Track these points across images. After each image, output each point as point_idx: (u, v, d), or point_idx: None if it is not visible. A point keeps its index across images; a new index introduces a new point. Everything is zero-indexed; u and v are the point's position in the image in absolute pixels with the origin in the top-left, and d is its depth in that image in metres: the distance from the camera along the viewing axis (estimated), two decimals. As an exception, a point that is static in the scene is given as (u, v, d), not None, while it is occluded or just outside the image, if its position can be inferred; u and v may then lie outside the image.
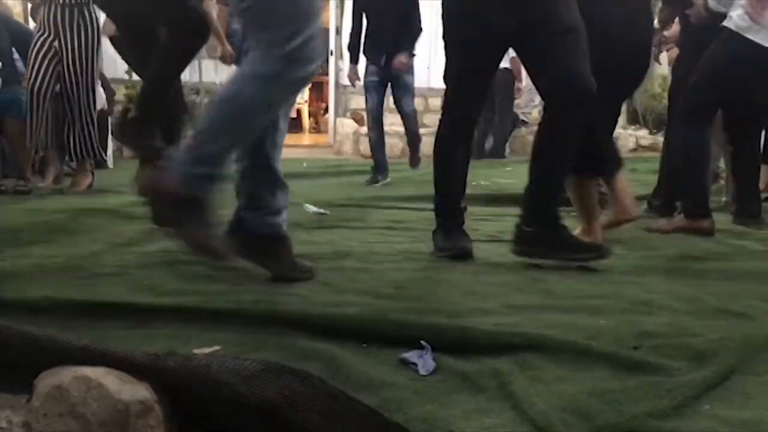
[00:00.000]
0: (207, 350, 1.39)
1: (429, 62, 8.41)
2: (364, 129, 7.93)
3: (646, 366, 1.37)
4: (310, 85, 13.22)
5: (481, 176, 5.26)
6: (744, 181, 3.38)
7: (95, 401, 0.99)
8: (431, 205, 3.90)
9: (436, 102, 8.86)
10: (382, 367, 1.36)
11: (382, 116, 5.49)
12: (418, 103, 8.71)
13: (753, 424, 1.14)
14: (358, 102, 8.52)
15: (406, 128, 5.68)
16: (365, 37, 5.33)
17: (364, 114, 8.64)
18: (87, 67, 4.07)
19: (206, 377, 1.01)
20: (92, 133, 4.21)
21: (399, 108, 5.52)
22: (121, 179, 5.21)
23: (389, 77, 5.31)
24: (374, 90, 5.37)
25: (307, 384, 1.02)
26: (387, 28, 5.19)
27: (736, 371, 1.36)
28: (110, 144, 6.47)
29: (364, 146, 7.72)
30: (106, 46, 8.36)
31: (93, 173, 4.57)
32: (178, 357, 1.08)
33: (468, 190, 4.38)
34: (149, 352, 1.11)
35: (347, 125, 7.95)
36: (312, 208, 3.60)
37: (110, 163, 6.29)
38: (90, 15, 4.05)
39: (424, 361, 1.38)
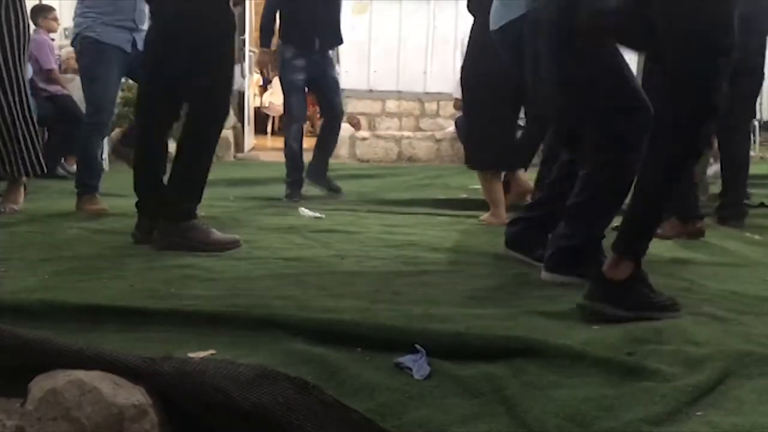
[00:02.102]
0: (202, 354, 1.39)
1: (425, 67, 8.45)
2: (360, 133, 7.95)
3: (641, 372, 1.37)
4: (306, 89, 13.22)
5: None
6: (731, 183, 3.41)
7: (90, 405, 0.98)
8: (427, 210, 3.94)
9: (432, 106, 8.93)
10: (377, 371, 1.36)
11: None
12: (413, 107, 8.77)
13: (746, 430, 1.14)
14: (354, 105, 8.54)
15: (326, 137, 4.56)
16: (289, 19, 4.29)
17: (360, 118, 8.69)
18: (19, 67, 3.35)
19: (201, 382, 1.01)
20: (30, 142, 3.33)
21: (329, 110, 4.51)
22: (116, 182, 5.21)
23: (316, 71, 4.31)
24: (300, 91, 4.35)
25: (302, 391, 1.02)
26: (318, 9, 4.26)
27: (729, 377, 1.37)
28: (105, 147, 6.46)
29: (360, 150, 7.74)
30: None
31: (26, 186, 3.68)
32: (173, 361, 1.08)
33: (464, 195, 4.43)
34: (144, 355, 1.11)
35: (343, 129, 7.95)
36: (308, 212, 3.60)
37: (106, 166, 6.28)
38: (22, 9, 3.38)
39: (418, 365, 1.38)
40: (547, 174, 2.57)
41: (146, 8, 2.91)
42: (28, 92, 3.42)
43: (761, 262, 2.66)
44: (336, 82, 4.53)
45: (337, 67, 4.73)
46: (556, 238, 2.23)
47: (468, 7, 3.61)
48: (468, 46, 3.58)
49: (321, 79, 4.34)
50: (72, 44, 3.64)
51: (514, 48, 2.23)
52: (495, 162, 3.51)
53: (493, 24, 2.28)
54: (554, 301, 1.92)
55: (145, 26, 3.19)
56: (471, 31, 3.55)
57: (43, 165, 3.45)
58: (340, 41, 4.52)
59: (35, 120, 3.42)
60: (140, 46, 3.36)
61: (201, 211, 3.44)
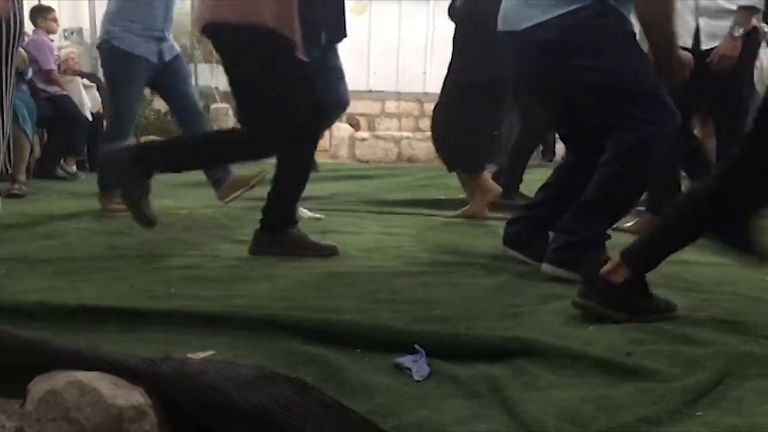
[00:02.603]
0: (202, 354, 1.39)
1: (425, 68, 8.45)
2: (360, 134, 7.95)
3: (640, 372, 1.37)
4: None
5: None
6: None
7: (89, 406, 0.99)
8: (427, 210, 3.94)
9: (432, 107, 8.91)
10: (377, 372, 1.36)
11: None
12: (413, 108, 8.77)
13: (745, 430, 1.14)
14: (354, 106, 8.51)
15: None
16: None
17: (360, 118, 8.68)
18: (8, 64, 3.08)
19: (200, 383, 1.01)
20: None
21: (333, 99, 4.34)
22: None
23: (317, 66, 4.04)
24: None
25: (301, 392, 1.02)
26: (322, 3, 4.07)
27: (728, 377, 1.37)
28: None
29: (360, 151, 7.74)
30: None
31: None
32: (172, 362, 1.08)
33: (463, 195, 4.43)
34: (144, 356, 1.11)
35: (343, 130, 7.96)
36: (307, 213, 3.60)
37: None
38: (16, 6, 3.08)
39: (418, 366, 1.38)
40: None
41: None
42: (12, 91, 3.15)
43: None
44: (341, 70, 4.44)
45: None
46: (562, 233, 2.23)
47: (449, 13, 3.61)
48: (453, 53, 3.59)
49: (323, 70, 4.28)
50: (98, 47, 3.64)
51: (542, 53, 2.20)
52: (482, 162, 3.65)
53: (513, 25, 2.24)
54: (554, 302, 1.92)
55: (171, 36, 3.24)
56: (454, 38, 3.56)
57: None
58: (344, 35, 4.45)
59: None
60: (166, 56, 3.44)
61: (199, 212, 3.46)
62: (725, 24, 3.04)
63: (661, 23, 2.14)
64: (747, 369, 1.42)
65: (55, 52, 5.89)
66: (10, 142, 3.16)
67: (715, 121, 3.46)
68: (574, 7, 2.12)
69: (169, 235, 2.91)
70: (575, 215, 2.20)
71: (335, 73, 4.31)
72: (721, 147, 3.32)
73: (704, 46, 3.05)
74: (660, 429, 1.14)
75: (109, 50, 3.43)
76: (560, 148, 8.76)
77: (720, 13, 3.05)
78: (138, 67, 3.41)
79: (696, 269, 2.46)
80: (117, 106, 3.55)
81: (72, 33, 7.73)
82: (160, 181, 3.32)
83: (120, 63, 3.40)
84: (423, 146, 7.84)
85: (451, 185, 5.32)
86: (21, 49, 3.97)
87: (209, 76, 7.27)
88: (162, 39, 3.41)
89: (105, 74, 3.72)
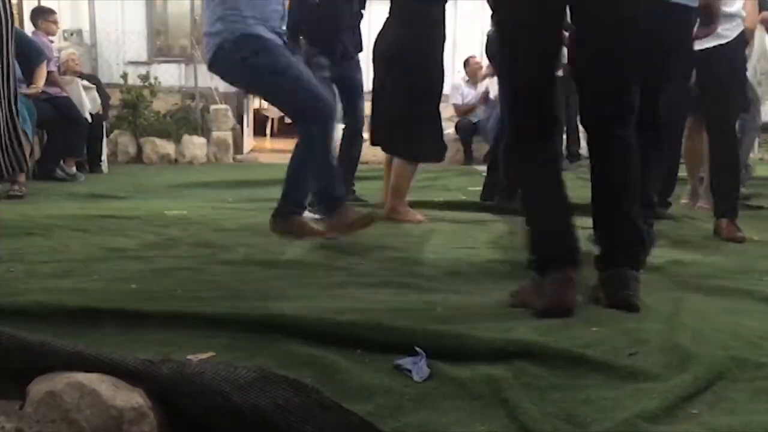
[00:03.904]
0: (202, 356, 1.39)
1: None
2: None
3: (640, 374, 1.37)
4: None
5: (476, 182, 5.26)
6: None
7: (89, 407, 0.98)
8: (426, 212, 3.93)
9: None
10: (377, 373, 1.36)
11: None
12: (414, 109, 8.74)
13: (740, 429, 1.15)
14: (354, 108, 8.51)
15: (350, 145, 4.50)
16: (316, 18, 4.09)
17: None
18: (6, 62, 2.57)
19: (200, 385, 1.01)
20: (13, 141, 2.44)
21: (350, 116, 4.55)
22: (115, 184, 5.21)
23: (338, 75, 4.26)
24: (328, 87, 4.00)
25: (300, 394, 1.02)
26: (342, 15, 4.20)
27: (724, 376, 1.37)
28: (105, 149, 6.47)
29: (360, 152, 7.72)
30: (102, 49, 8.28)
31: None
32: (172, 363, 1.08)
33: (463, 197, 4.43)
34: (143, 357, 1.11)
35: (341, 131, 7.95)
36: (308, 215, 3.59)
37: (105, 168, 6.29)
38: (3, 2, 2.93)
39: (418, 367, 1.38)
40: None
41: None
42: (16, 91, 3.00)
43: (758, 262, 2.66)
44: (361, 86, 4.50)
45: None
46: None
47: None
48: (385, 26, 3.61)
49: (345, 80, 4.32)
50: (212, 60, 3.02)
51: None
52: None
53: None
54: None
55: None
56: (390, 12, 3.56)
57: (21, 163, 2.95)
58: (360, 48, 4.54)
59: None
60: None
61: (198, 213, 3.45)
62: (725, 26, 3.06)
63: None
64: (743, 369, 1.42)
65: (55, 54, 5.90)
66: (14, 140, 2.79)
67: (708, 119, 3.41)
68: None
69: (168, 235, 2.91)
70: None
71: (355, 89, 4.43)
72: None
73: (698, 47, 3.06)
74: (657, 426, 1.15)
75: (241, 45, 2.89)
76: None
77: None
78: (279, 47, 2.93)
79: (694, 269, 2.46)
80: (294, 95, 2.92)
81: (72, 34, 7.74)
82: (158, 182, 3.33)
83: (259, 49, 2.89)
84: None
85: (451, 187, 5.33)
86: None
87: (208, 78, 7.25)
88: (281, 35, 3.04)
89: (248, 75, 3.05)
